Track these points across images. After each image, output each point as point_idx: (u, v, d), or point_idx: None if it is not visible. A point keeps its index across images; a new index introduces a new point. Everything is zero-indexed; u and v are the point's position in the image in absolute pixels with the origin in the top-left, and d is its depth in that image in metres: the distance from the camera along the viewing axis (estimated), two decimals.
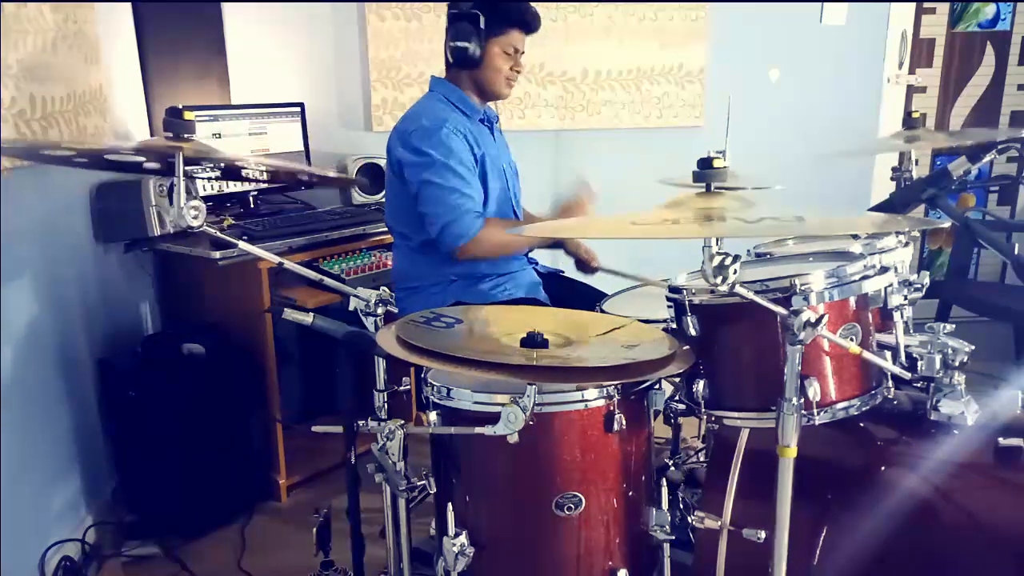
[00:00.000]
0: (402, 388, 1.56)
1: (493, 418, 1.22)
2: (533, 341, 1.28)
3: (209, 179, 2.41)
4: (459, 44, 2.01)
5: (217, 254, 2.23)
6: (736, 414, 1.37)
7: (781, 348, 1.22)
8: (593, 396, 1.30)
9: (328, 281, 1.56)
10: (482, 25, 1.99)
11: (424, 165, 1.96)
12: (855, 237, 1.71)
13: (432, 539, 1.49)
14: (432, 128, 1.98)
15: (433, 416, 1.36)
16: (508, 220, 2.10)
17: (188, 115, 1.37)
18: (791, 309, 1.19)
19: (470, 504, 1.36)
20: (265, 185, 2.68)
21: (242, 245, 1.50)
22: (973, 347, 1.33)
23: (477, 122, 2.11)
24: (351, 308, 1.51)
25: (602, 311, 1.87)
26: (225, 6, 2.85)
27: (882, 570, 1.35)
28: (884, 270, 1.37)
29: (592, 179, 2.17)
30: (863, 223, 1.42)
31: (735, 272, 1.12)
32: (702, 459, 2.25)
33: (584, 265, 2.28)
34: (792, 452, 1.22)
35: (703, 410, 1.39)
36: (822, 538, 1.37)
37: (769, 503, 1.24)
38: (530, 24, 2.06)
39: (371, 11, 2.98)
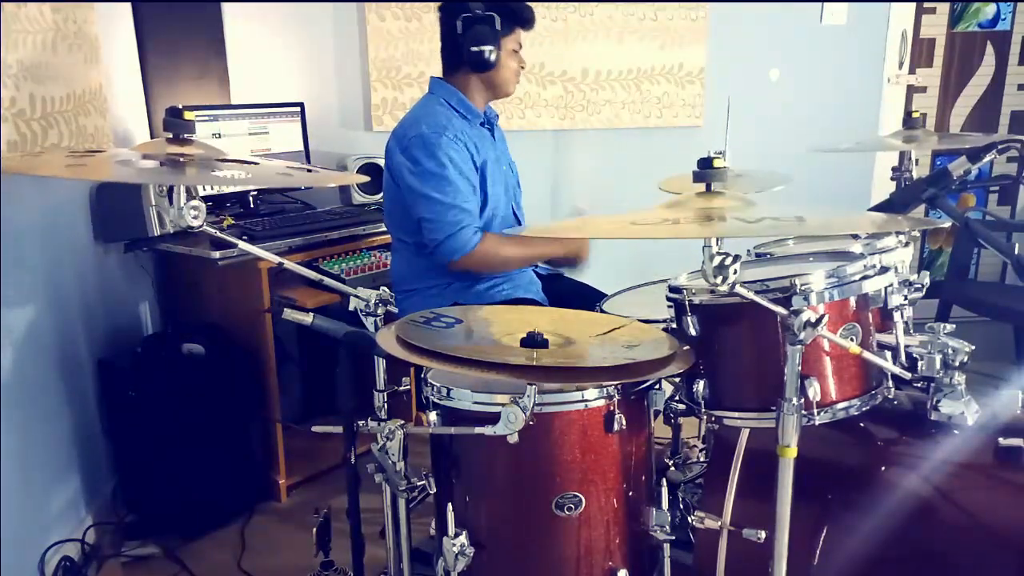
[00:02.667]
0: (402, 388, 1.56)
1: (493, 418, 1.22)
2: (533, 341, 1.28)
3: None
4: (481, 48, 2.01)
5: (217, 254, 2.23)
6: (736, 414, 1.37)
7: (781, 348, 1.22)
8: (593, 396, 1.30)
9: (328, 281, 1.56)
10: (498, 27, 2.01)
11: (422, 176, 1.95)
12: (855, 237, 1.71)
13: (432, 539, 1.49)
14: (431, 136, 1.96)
15: (433, 416, 1.36)
16: (506, 237, 2.06)
17: (188, 115, 1.36)
18: (791, 309, 1.19)
19: (470, 504, 1.36)
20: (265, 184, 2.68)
21: (242, 245, 1.50)
22: (973, 347, 1.33)
23: (478, 125, 2.11)
24: (351, 308, 1.51)
25: (602, 311, 1.87)
26: (225, 6, 2.85)
27: (882, 570, 1.35)
28: (884, 270, 1.37)
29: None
30: (863, 223, 1.42)
31: (735, 272, 1.13)
32: (702, 459, 2.25)
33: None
34: (792, 452, 1.22)
35: (703, 410, 1.39)
36: (822, 538, 1.37)
37: (769, 503, 1.24)
38: (530, 21, 2.11)
39: (371, 11, 2.98)
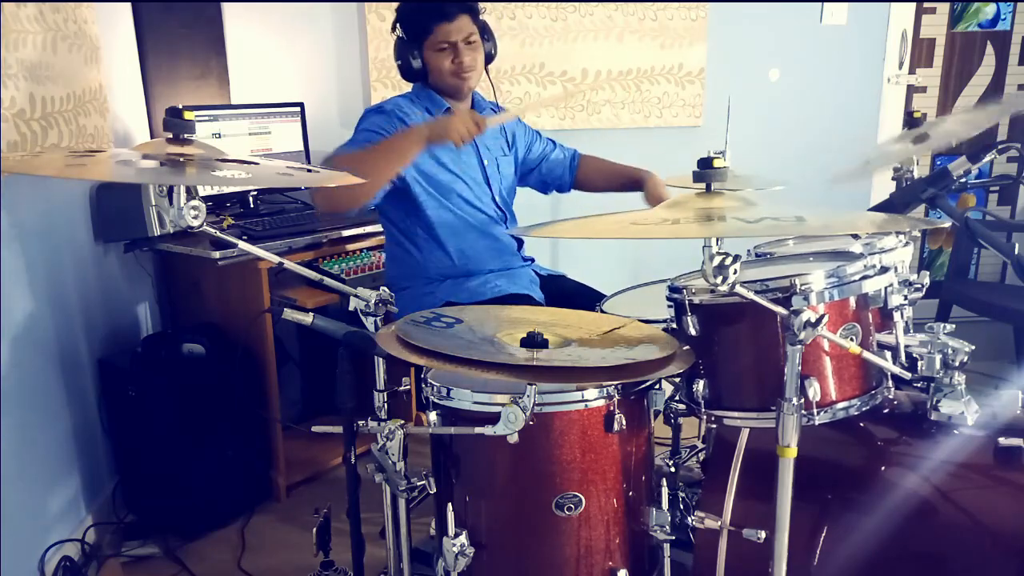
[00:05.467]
0: (402, 388, 1.55)
1: (493, 418, 1.22)
2: (533, 341, 1.28)
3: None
4: (398, 64, 2.04)
5: (217, 254, 2.23)
6: (736, 414, 1.37)
7: (781, 348, 1.23)
8: (593, 396, 1.30)
9: (328, 281, 1.56)
10: (405, 38, 2.01)
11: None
12: (855, 237, 1.71)
13: (432, 539, 1.49)
14: (366, 114, 2.02)
15: (433, 416, 1.36)
16: (357, 150, 1.93)
17: (188, 115, 1.36)
18: (791, 309, 1.19)
19: (470, 504, 1.36)
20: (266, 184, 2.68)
21: (242, 245, 1.50)
22: (973, 347, 1.33)
23: (443, 112, 2.09)
24: (351, 308, 1.51)
25: (602, 311, 1.87)
26: (225, 6, 2.85)
27: (882, 570, 1.35)
28: (884, 270, 1.37)
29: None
30: (862, 223, 1.42)
31: (735, 272, 1.12)
32: (702, 459, 2.25)
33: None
34: (792, 452, 1.22)
35: (703, 410, 1.39)
36: (822, 538, 1.37)
37: (769, 503, 1.24)
38: (445, 12, 1.98)
39: (371, 11, 2.98)
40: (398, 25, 2.02)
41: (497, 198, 2.18)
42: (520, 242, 2.23)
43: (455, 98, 2.10)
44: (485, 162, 2.16)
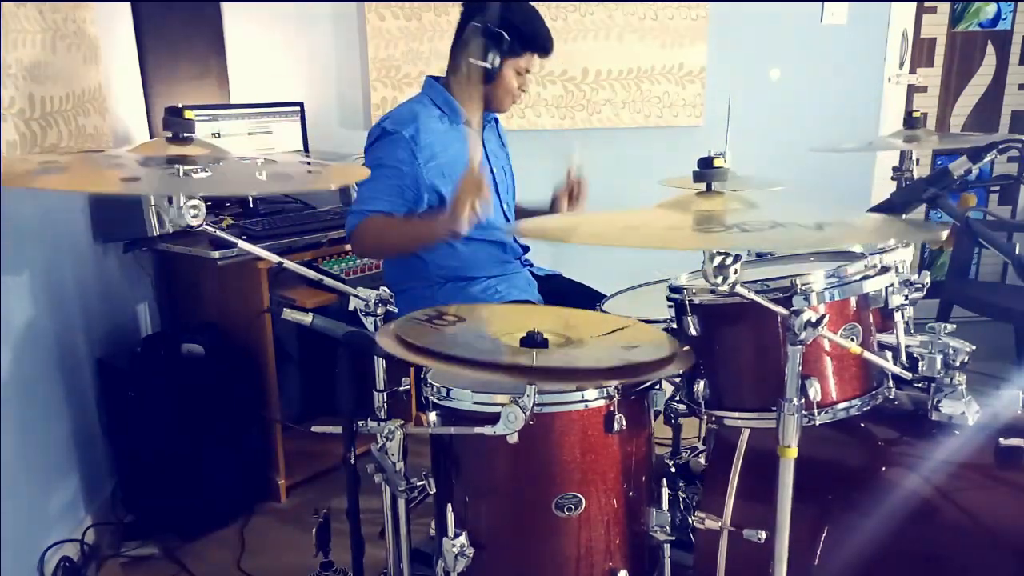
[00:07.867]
0: (402, 388, 1.55)
1: (493, 418, 1.22)
2: (533, 341, 1.28)
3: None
4: (478, 62, 1.99)
5: (216, 254, 2.23)
6: (737, 414, 1.37)
7: (782, 348, 1.22)
8: (593, 396, 1.30)
9: (328, 281, 1.55)
10: (505, 47, 1.97)
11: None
12: None
13: (432, 539, 1.48)
14: (380, 132, 1.99)
15: (433, 416, 1.36)
16: (385, 220, 1.95)
17: (188, 114, 1.36)
18: (792, 309, 1.18)
19: (470, 505, 1.36)
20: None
21: (241, 245, 1.50)
22: (974, 347, 1.33)
23: (460, 126, 2.08)
24: (351, 308, 1.50)
25: (602, 311, 1.87)
26: (225, 6, 2.85)
27: (883, 570, 1.35)
28: (885, 270, 1.37)
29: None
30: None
31: (736, 272, 1.12)
32: (702, 461, 2.24)
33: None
34: (793, 452, 1.22)
35: (704, 410, 1.38)
36: (823, 539, 1.37)
37: (770, 504, 1.24)
38: (547, 49, 2.04)
39: (371, 11, 2.98)
40: (503, 31, 1.96)
41: (504, 204, 2.20)
42: (526, 248, 2.23)
43: (492, 111, 2.13)
44: (494, 170, 2.17)
